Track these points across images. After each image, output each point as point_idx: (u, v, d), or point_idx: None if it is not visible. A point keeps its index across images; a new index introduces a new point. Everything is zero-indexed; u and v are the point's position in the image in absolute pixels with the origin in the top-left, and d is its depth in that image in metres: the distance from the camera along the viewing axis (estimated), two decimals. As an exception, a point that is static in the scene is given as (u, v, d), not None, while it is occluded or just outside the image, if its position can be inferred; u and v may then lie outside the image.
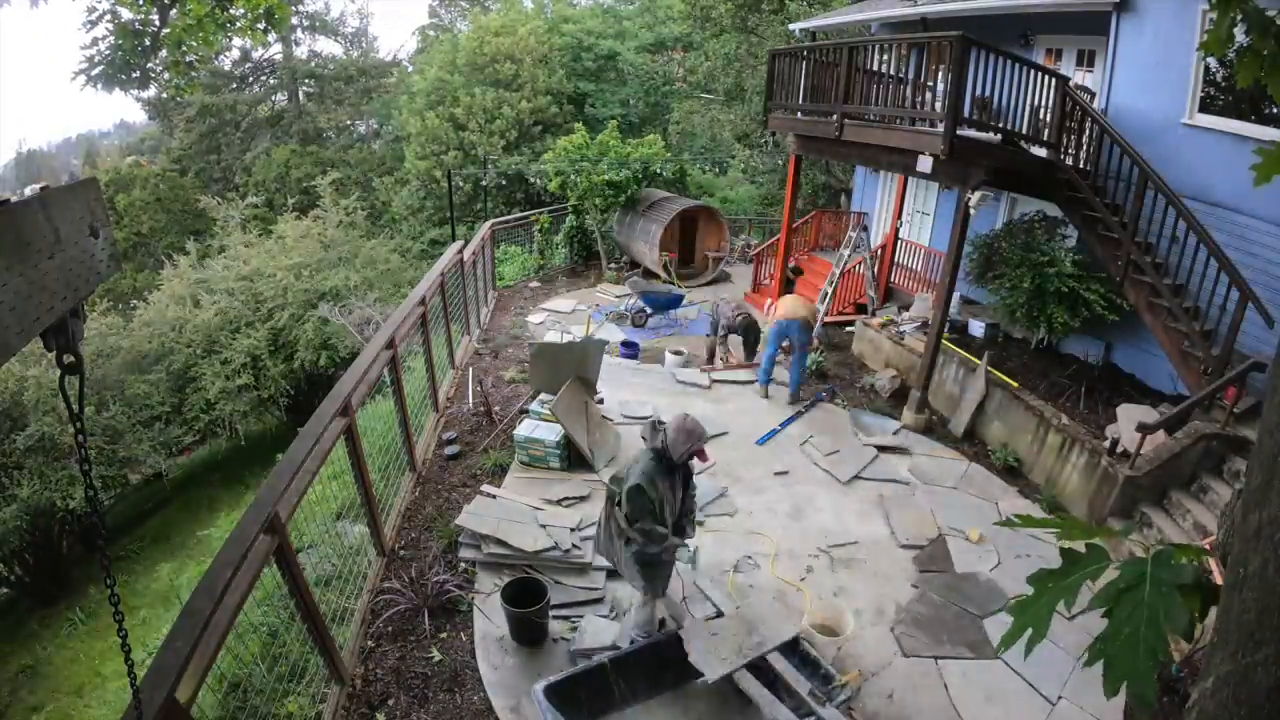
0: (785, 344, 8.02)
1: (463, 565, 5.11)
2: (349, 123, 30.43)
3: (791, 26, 13.97)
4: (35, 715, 8.06)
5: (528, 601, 4.34)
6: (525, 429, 6.47)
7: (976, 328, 8.56)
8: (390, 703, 4.03)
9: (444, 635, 4.51)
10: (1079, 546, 1.85)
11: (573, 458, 6.39)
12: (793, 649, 4.14)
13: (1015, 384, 7.21)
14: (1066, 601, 1.63)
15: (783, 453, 7.04)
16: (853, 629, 4.64)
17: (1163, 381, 7.27)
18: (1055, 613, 1.71)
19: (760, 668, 3.98)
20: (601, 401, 7.41)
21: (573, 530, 5.34)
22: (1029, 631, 1.68)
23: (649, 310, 10.93)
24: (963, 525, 6.00)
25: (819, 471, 6.74)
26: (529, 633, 4.39)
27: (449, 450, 6.72)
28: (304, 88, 29.57)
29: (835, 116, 7.93)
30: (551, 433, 6.32)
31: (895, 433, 7.52)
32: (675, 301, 11.03)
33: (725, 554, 5.50)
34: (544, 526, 5.32)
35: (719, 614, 4.64)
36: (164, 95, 24.75)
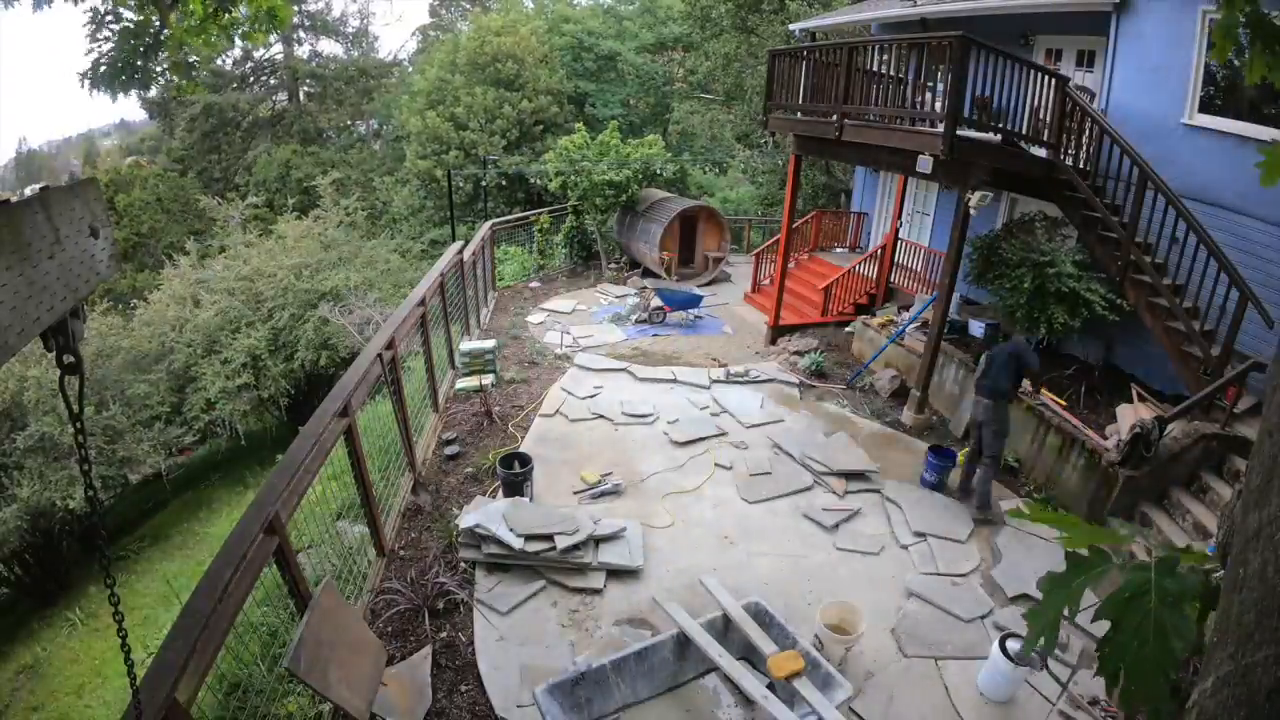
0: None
1: (462, 565, 5.11)
2: (349, 123, 30.48)
3: (791, 27, 13.98)
4: (35, 715, 8.05)
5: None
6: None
7: (976, 328, 8.55)
8: (390, 703, 4.02)
9: (444, 635, 4.51)
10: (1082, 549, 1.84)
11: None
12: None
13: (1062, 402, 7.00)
14: (1071, 606, 1.63)
15: (781, 453, 7.04)
16: (864, 629, 4.63)
17: (1163, 381, 7.27)
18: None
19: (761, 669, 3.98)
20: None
21: (572, 533, 5.34)
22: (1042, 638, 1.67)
23: (668, 308, 10.98)
24: (961, 526, 6.00)
25: (816, 469, 6.73)
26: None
27: (449, 450, 6.73)
28: (305, 88, 29.60)
29: (835, 117, 7.93)
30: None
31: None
32: (694, 301, 11.05)
33: (725, 553, 5.50)
34: (543, 527, 5.32)
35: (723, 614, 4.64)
36: (165, 95, 24.90)
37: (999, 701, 4.28)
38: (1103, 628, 1.52)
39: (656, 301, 11.01)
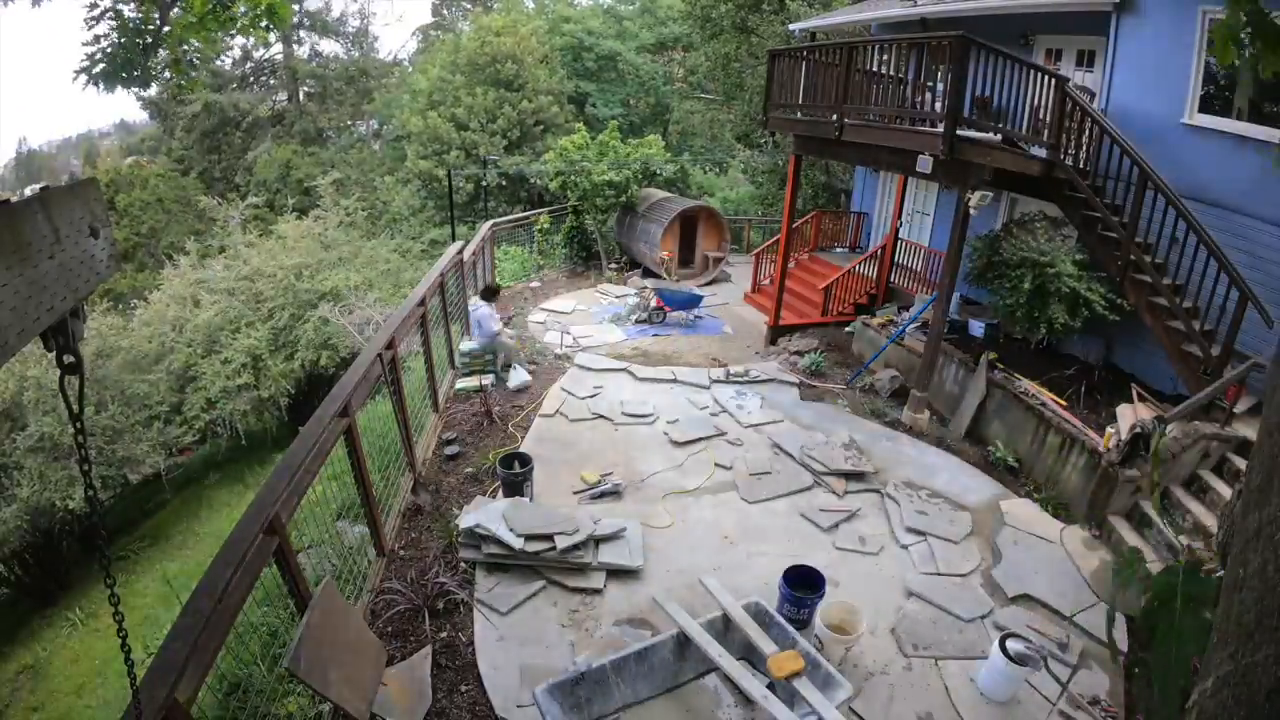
0: None
1: (462, 565, 5.11)
2: (349, 123, 30.45)
3: (791, 27, 13.97)
4: (35, 715, 8.06)
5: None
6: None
7: (976, 328, 8.56)
8: (390, 703, 4.02)
9: (444, 635, 4.51)
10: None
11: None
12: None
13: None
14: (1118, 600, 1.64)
15: (781, 453, 7.03)
16: (864, 629, 4.62)
17: (1163, 381, 7.27)
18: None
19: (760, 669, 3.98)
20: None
21: (572, 533, 5.33)
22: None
23: (668, 308, 10.98)
24: (959, 525, 6.00)
25: (816, 469, 6.73)
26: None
27: (449, 450, 6.73)
28: (305, 88, 29.59)
29: (835, 116, 7.93)
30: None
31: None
32: (694, 301, 11.04)
33: (725, 553, 5.50)
34: (543, 527, 5.32)
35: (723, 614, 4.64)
36: (165, 95, 24.89)
37: (999, 702, 4.28)
38: (1102, 627, 1.53)
39: (654, 301, 11.02)
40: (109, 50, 4.40)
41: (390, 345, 5.36)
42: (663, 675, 4.16)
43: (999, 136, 6.98)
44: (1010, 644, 4.21)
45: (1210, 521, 5.51)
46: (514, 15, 24.22)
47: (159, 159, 29.96)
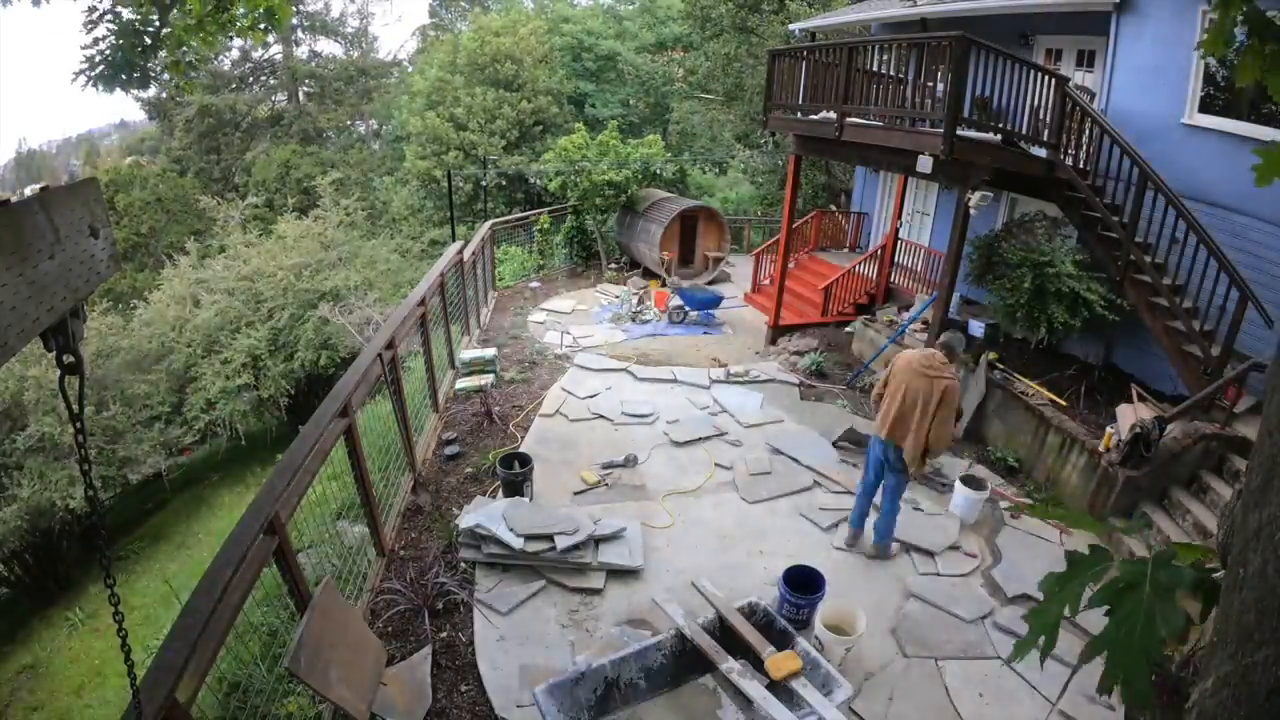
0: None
1: (462, 565, 5.11)
2: (349, 123, 30.46)
3: (791, 26, 13.98)
4: (35, 715, 8.06)
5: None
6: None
7: (976, 328, 8.55)
8: (390, 703, 4.01)
9: (444, 635, 4.51)
10: (1080, 547, 1.85)
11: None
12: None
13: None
14: (1071, 605, 1.64)
15: (780, 453, 7.04)
16: (864, 629, 4.62)
17: (1163, 381, 7.27)
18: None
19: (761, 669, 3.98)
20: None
21: (572, 532, 5.33)
22: (1042, 639, 1.67)
23: (688, 309, 10.98)
24: (942, 536, 5.99)
25: (814, 473, 6.73)
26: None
27: (449, 450, 6.73)
28: (304, 88, 29.59)
29: (835, 116, 7.93)
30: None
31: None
32: (714, 301, 11.03)
33: (724, 553, 5.50)
34: (543, 527, 5.32)
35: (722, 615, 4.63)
36: (164, 95, 24.87)
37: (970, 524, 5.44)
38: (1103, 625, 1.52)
39: (676, 301, 11.02)
40: (107, 52, 4.41)
41: (390, 345, 5.36)
42: (662, 675, 4.16)
43: (999, 136, 6.98)
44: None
45: (1210, 521, 5.52)
46: (513, 15, 24.21)
47: (159, 159, 29.97)
